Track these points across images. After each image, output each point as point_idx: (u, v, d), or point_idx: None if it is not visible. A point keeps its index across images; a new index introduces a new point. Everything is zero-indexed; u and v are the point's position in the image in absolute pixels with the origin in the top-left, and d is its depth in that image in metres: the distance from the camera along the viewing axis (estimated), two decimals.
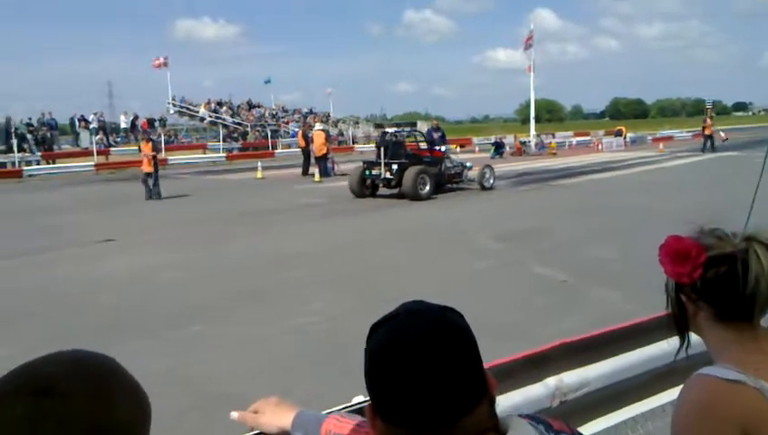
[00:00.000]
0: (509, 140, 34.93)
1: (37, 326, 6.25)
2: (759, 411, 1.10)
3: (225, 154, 32.82)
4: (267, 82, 48.13)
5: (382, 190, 16.53)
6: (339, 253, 9.75)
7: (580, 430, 0.98)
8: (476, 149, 36.72)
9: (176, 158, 30.73)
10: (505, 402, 2.05)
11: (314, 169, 21.91)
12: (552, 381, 2.30)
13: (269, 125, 40.82)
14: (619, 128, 41.83)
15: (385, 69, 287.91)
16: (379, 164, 16.10)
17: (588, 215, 12.74)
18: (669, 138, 42.13)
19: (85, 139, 33.42)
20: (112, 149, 32.97)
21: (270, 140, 37.25)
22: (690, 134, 44.03)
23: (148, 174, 16.75)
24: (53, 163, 28.73)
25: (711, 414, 1.12)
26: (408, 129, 17.75)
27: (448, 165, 17.22)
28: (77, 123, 35.49)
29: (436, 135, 19.98)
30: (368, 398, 0.87)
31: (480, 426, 0.83)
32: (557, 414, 2.25)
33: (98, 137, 32.28)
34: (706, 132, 30.44)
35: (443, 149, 17.94)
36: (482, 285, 7.65)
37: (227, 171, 26.55)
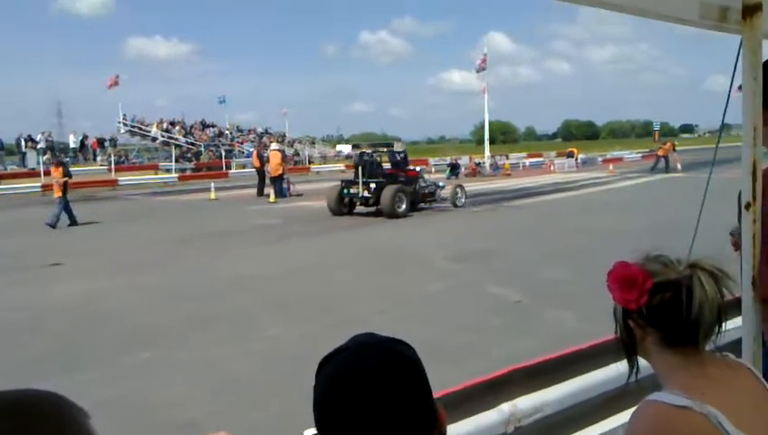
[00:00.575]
0: (464, 160, 35.37)
1: None
2: None
3: (177, 175, 32.36)
4: (222, 101, 47.75)
5: (359, 208, 17.08)
6: (294, 275, 9.64)
7: None
8: (432, 169, 37.02)
9: (126, 179, 30.17)
10: (459, 431, 2.03)
11: (269, 190, 21.78)
12: (506, 407, 2.30)
13: (223, 145, 40.42)
14: (570, 149, 42.86)
15: (341, 89, 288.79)
16: (357, 183, 16.57)
17: (541, 235, 12.96)
18: (619, 159, 43.33)
19: (32, 159, 32.48)
20: None
21: (224, 160, 36.88)
22: (639, 155, 45.38)
23: (59, 199, 15.70)
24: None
25: None
26: (384, 149, 18.31)
27: (422, 184, 17.88)
28: (23, 143, 34.48)
29: (399, 156, 20.16)
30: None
31: None
32: None
33: (45, 157, 31.41)
34: (660, 153, 31.44)
35: (418, 169, 18.81)
36: (438, 305, 7.67)
37: (180, 192, 26.12)
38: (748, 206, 1.83)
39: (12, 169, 32.60)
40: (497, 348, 5.65)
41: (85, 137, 38.95)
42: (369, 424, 0.78)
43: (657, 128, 54.27)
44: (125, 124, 40.20)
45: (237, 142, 43.16)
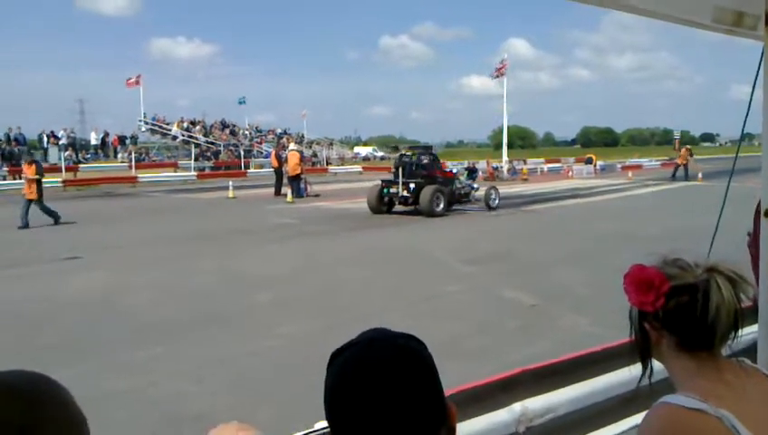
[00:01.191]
0: (482, 165, 35.26)
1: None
2: None
3: (196, 173, 32.60)
4: (241, 102, 48.10)
5: (397, 208, 17.78)
6: (311, 273, 9.68)
7: None
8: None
9: (146, 176, 30.43)
10: (470, 429, 2.04)
11: (287, 190, 21.89)
12: (517, 406, 2.30)
13: (242, 145, 40.68)
14: (589, 155, 42.50)
15: (360, 92, 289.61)
16: (397, 183, 17.31)
17: (558, 240, 12.90)
18: (638, 166, 42.95)
19: (54, 155, 32.90)
20: (81, 165, 32.49)
21: (243, 160, 37.11)
22: (659, 163, 44.94)
23: (31, 200, 14.79)
24: (20, 179, 28.10)
25: None
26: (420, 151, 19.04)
27: (458, 185, 18.53)
28: (46, 139, 34.94)
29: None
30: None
31: None
32: None
33: (67, 153, 31.80)
34: (680, 162, 31.07)
35: (454, 171, 19.42)
36: (456, 306, 7.68)
37: (199, 190, 26.31)
38: (767, 213, 1.82)
39: None
40: (515, 350, 5.63)
41: (106, 134, 39.44)
42: (379, 415, 0.79)
43: (677, 136, 53.67)
44: (146, 123, 40.64)
45: (256, 142, 43.43)
